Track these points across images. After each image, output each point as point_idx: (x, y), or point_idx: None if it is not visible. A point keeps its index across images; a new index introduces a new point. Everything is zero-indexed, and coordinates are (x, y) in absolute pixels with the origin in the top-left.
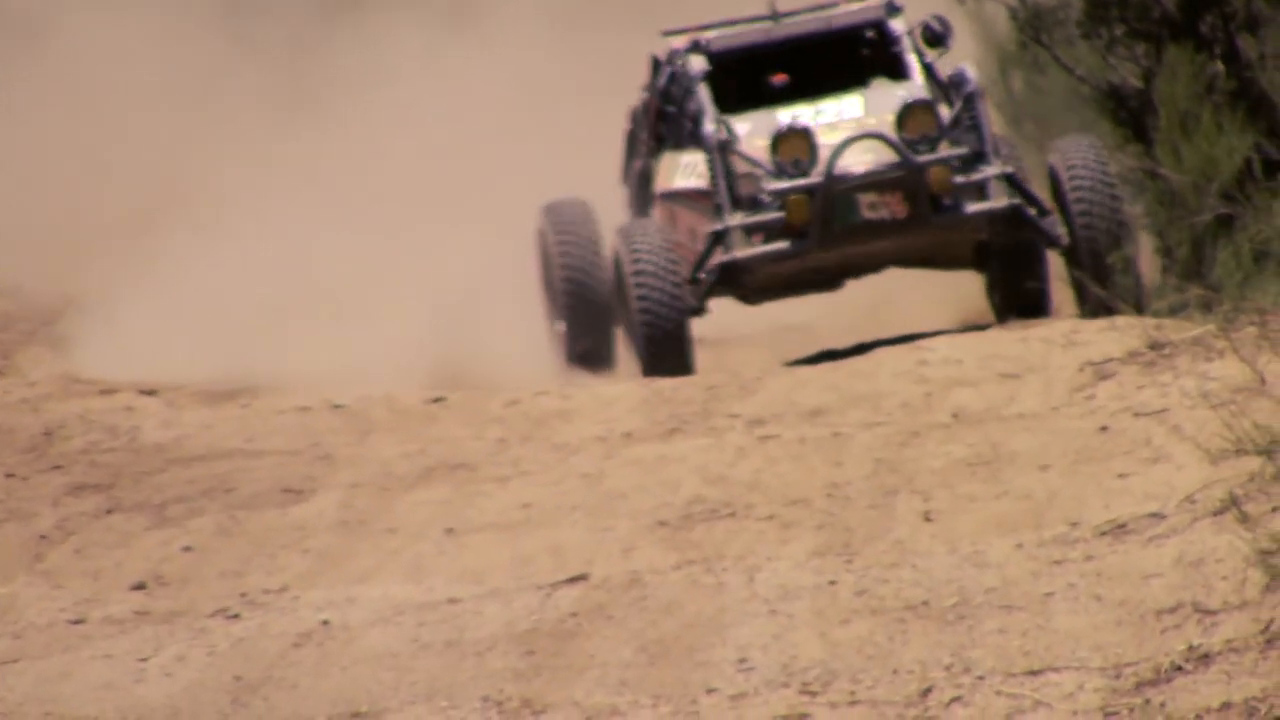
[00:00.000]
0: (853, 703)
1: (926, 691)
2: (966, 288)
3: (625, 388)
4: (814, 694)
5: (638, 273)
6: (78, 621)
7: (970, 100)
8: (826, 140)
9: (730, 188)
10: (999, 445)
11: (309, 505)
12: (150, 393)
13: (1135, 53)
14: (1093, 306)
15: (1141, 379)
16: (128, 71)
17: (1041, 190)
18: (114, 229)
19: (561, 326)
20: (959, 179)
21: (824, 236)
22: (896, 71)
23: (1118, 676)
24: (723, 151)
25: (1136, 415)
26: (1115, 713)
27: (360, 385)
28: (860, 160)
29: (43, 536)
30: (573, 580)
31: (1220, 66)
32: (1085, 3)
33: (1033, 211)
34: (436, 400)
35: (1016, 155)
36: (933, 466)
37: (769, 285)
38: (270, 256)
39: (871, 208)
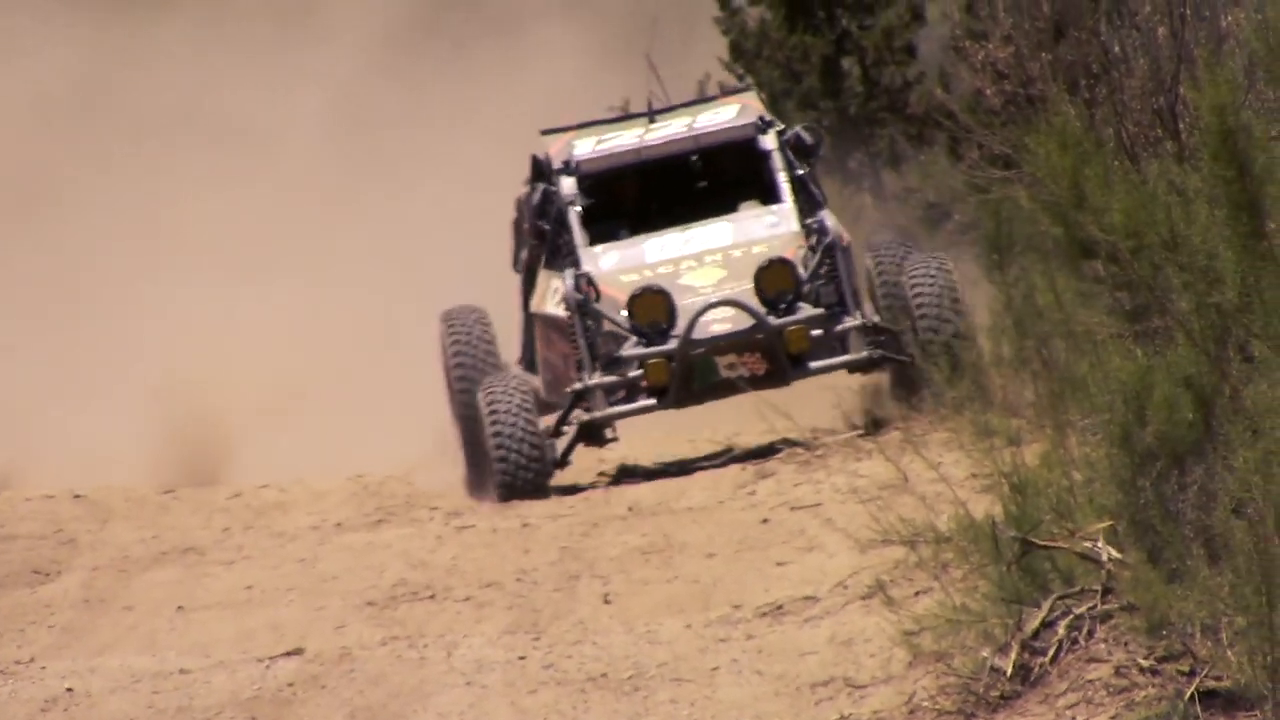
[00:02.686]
0: None
1: None
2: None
3: (337, 482)
4: None
5: (497, 434)
6: None
7: (829, 250)
8: (685, 300)
9: (591, 347)
10: (670, 535)
11: (55, 585)
12: None
13: None
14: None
15: (798, 476)
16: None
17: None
18: None
19: (458, 436)
20: (816, 332)
21: (682, 396)
22: (767, 191)
23: None
24: (582, 312)
25: (793, 509)
26: None
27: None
28: (719, 322)
29: None
30: (290, 654)
31: (869, 199)
32: None
33: (889, 351)
34: (168, 492)
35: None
36: (611, 554)
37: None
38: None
39: (730, 367)
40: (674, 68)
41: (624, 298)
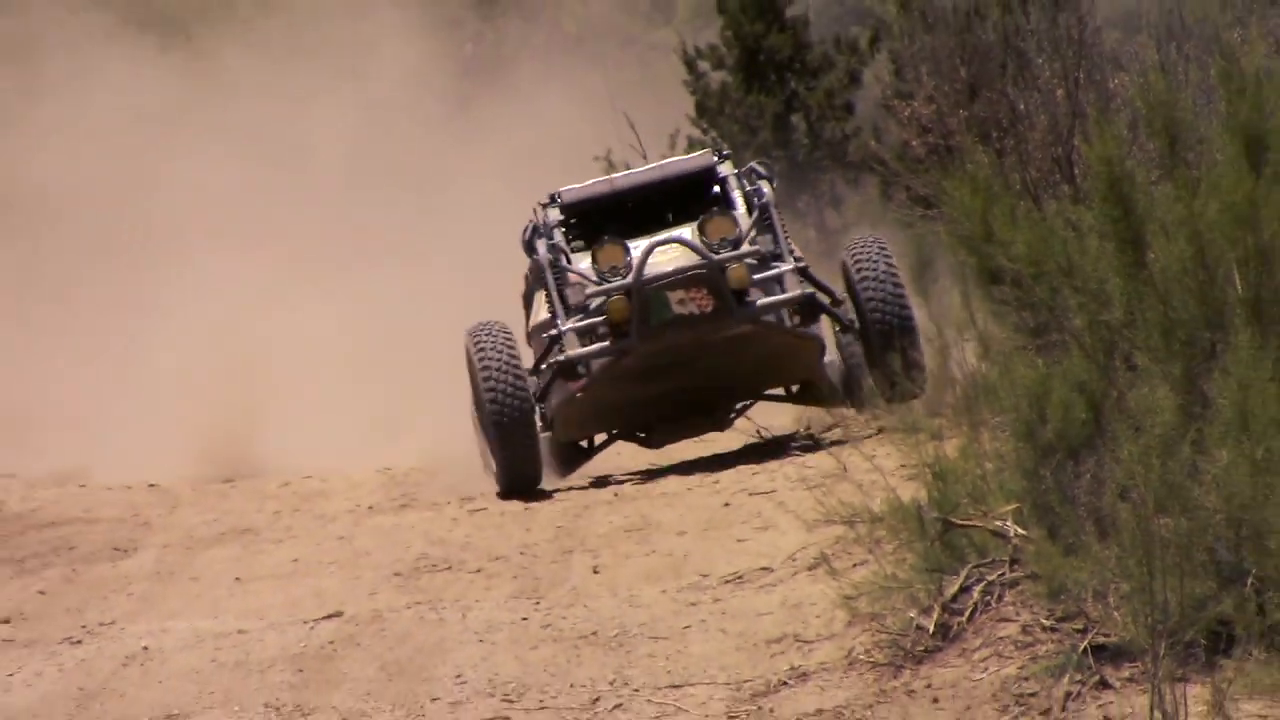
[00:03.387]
0: (541, 708)
1: (596, 700)
2: None
3: (369, 474)
4: (512, 702)
5: (484, 367)
6: None
7: (765, 209)
8: (639, 248)
9: (562, 297)
10: (648, 516)
11: (132, 560)
12: (10, 475)
13: None
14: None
15: (755, 467)
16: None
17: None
18: None
19: (485, 445)
20: (756, 275)
21: (642, 331)
22: (725, 206)
23: (738, 689)
24: (553, 268)
25: (751, 494)
26: (736, 716)
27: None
28: (668, 262)
29: None
30: (330, 617)
31: (814, 233)
32: None
33: (826, 300)
34: (227, 482)
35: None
36: (599, 532)
37: (623, 404)
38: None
39: (681, 303)
40: (648, 123)
41: (587, 269)
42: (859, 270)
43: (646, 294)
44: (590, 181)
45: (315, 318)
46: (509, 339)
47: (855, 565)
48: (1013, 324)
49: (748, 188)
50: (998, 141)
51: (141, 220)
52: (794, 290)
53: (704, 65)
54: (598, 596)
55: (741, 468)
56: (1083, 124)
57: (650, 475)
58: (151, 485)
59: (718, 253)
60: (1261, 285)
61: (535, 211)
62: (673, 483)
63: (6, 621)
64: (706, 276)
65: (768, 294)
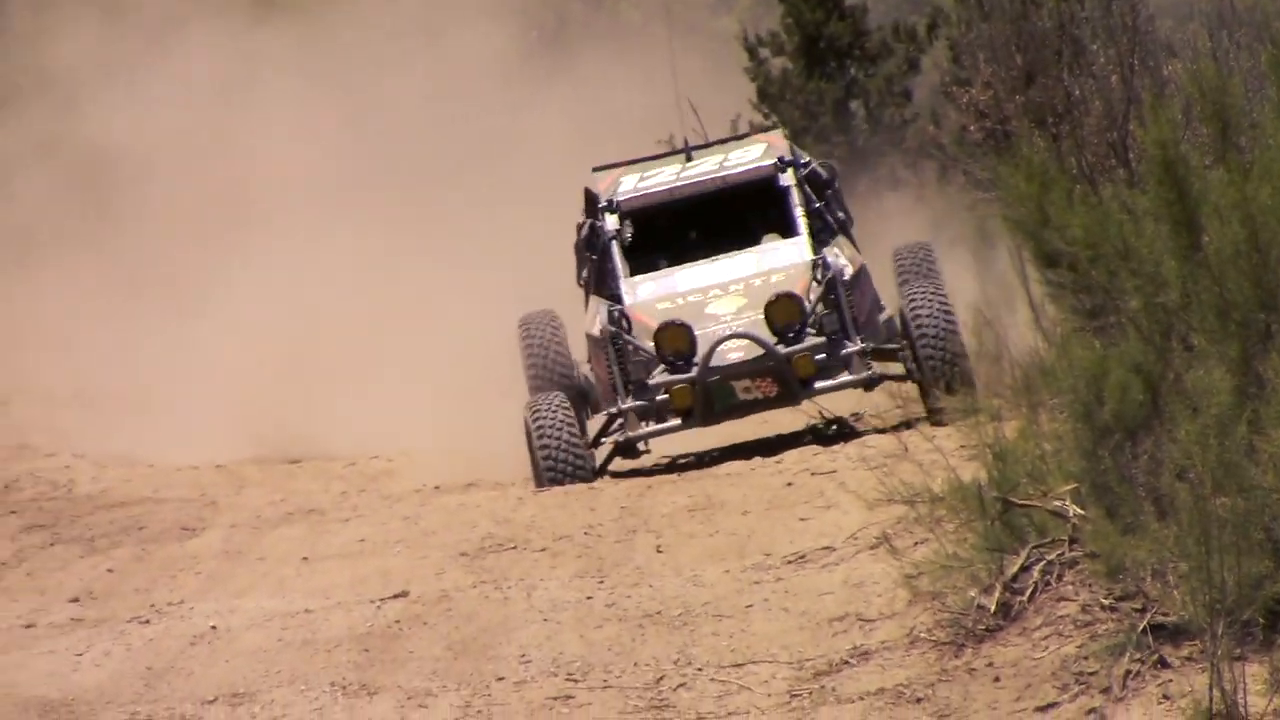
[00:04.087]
0: (605, 687)
1: (659, 679)
2: None
3: (435, 454)
4: (576, 680)
5: (543, 445)
6: (29, 626)
7: (831, 285)
8: (706, 328)
9: (624, 373)
10: (711, 496)
11: (200, 540)
12: (81, 455)
13: None
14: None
15: (817, 447)
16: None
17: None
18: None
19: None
20: (821, 357)
21: (705, 416)
22: (786, 225)
23: (800, 668)
24: (615, 345)
25: (813, 474)
26: (799, 695)
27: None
28: (734, 350)
29: (2, 563)
30: (397, 596)
31: (873, 217)
32: None
33: (890, 369)
34: (294, 462)
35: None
36: (663, 512)
37: None
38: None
39: (746, 390)
40: (711, 109)
41: (655, 325)
42: (918, 324)
43: (712, 385)
44: (649, 182)
45: (382, 293)
46: (568, 413)
47: (916, 544)
48: (1070, 306)
49: (810, 197)
50: (1053, 127)
51: (211, 193)
52: (860, 372)
53: (765, 52)
54: (661, 576)
55: (804, 448)
56: (1137, 109)
57: (713, 456)
58: (219, 466)
59: (785, 338)
60: None
61: (591, 195)
62: (736, 463)
63: (76, 601)
64: (773, 368)
65: (833, 372)
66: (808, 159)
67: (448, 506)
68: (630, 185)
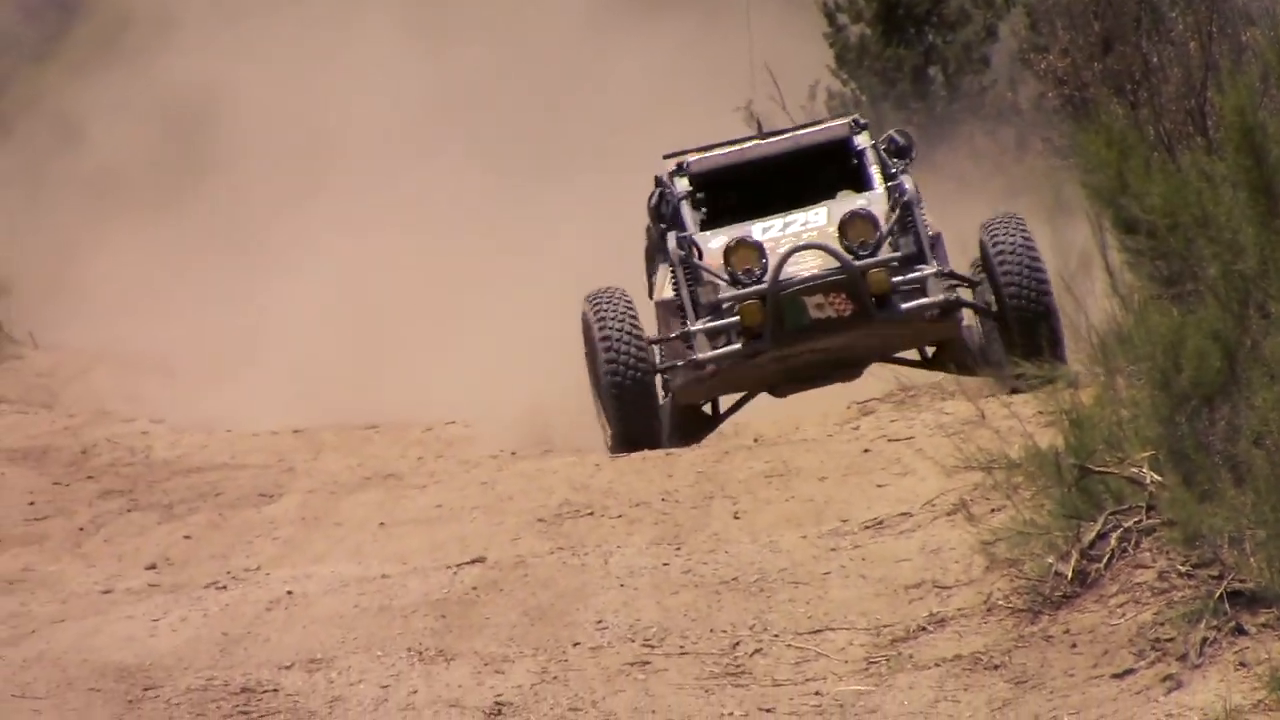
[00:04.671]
0: (682, 653)
1: (736, 645)
2: None
3: (512, 420)
4: (653, 646)
5: (605, 337)
6: (107, 591)
7: (907, 207)
8: (776, 250)
9: (693, 296)
10: (788, 462)
11: (277, 505)
12: (159, 421)
13: None
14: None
15: (894, 414)
16: None
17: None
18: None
19: (601, 411)
20: (896, 279)
21: (777, 336)
22: (861, 183)
23: (877, 635)
24: (684, 265)
25: (890, 440)
26: (876, 662)
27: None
28: (805, 266)
29: (80, 529)
30: (473, 562)
31: (952, 186)
32: None
33: (966, 294)
34: (371, 427)
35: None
36: (739, 478)
37: (754, 377)
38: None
39: (819, 308)
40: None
41: (719, 266)
42: (1000, 257)
43: (783, 300)
44: (721, 149)
45: (462, 257)
46: (630, 307)
47: (993, 511)
48: (1147, 273)
49: (886, 161)
50: (1131, 94)
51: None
52: (936, 295)
53: (843, 19)
54: (738, 542)
55: (880, 414)
56: (1215, 76)
57: (790, 422)
58: (296, 431)
59: (858, 256)
60: None
61: (660, 179)
62: (811, 428)
63: (153, 567)
64: (846, 282)
65: (908, 296)
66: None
67: (525, 472)
68: (697, 156)
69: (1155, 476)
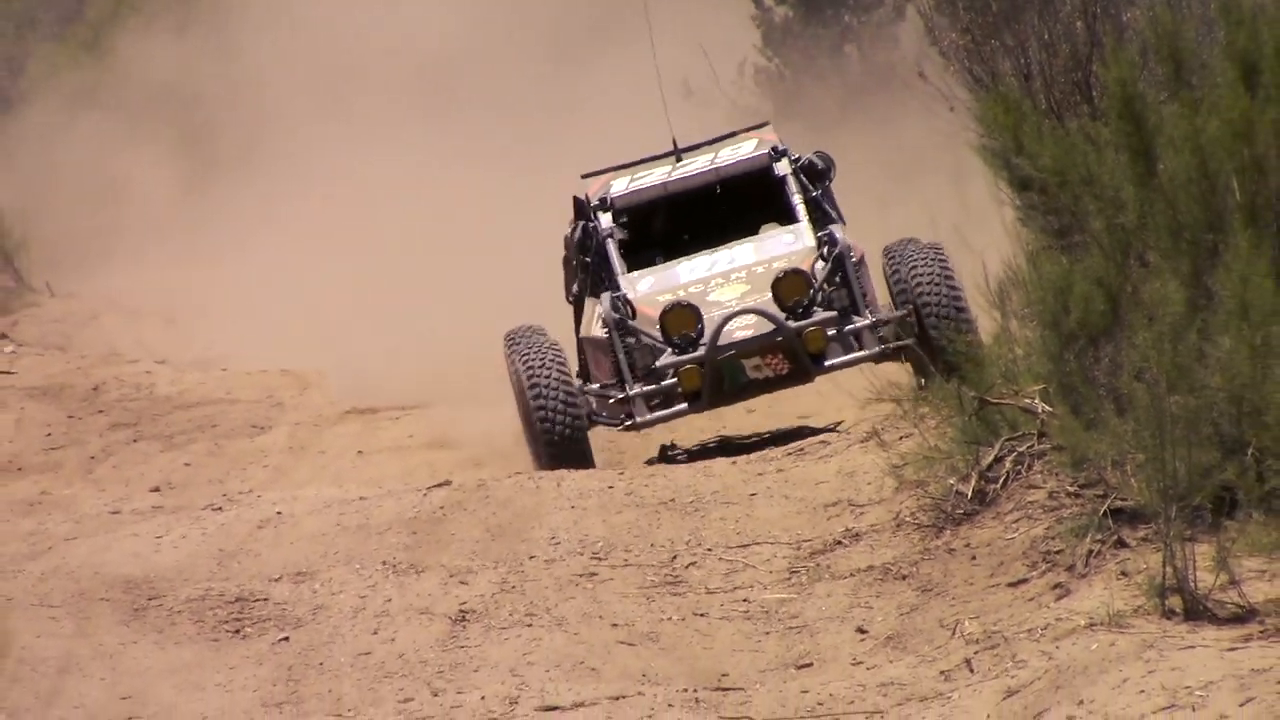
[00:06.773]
0: (626, 565)
1: (674, 558)
2: None
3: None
4: (600, 559)
5: (533, 385)
6: (115, 512)
7: (839, 260)
8: (711, 313)
9: (630, 360)
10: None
11: (267, 436)
12: (162, 361)
13: None
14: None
15: None
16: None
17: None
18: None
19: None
20: (831, 332)
21: (715, 398)
22: (784, 212)
23: (799, 548)
24: (620, 329)
25: None
26: (797, 572)
27: None
28: (742, 329)
29: (92, 457)
30: (441, 485)
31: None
32: None
33: (898, 337)
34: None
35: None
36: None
37: None
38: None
39: (756, 368)
40: (720, 52)
41: (654, 327)
42: (919, 288)
43: (721, 363)
44: (642, 181)
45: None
46: (559, 355)
47: (902, 438)
48: (1039, 226)
49: (807, 186)
50: (1025, 67)
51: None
52: (871, 347)
53: (768, 2)
54: (675, 469)
55: None
56: (1100, 52)
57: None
58: (284, 371)
59: (794, 314)
60: (1257, 192)
61: (581, 206)
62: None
63: (156, 490)
64: (783, 343)
65: (845, 346)
66: (797, 156)
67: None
68: (623, 186)
69: (1046, 407)
